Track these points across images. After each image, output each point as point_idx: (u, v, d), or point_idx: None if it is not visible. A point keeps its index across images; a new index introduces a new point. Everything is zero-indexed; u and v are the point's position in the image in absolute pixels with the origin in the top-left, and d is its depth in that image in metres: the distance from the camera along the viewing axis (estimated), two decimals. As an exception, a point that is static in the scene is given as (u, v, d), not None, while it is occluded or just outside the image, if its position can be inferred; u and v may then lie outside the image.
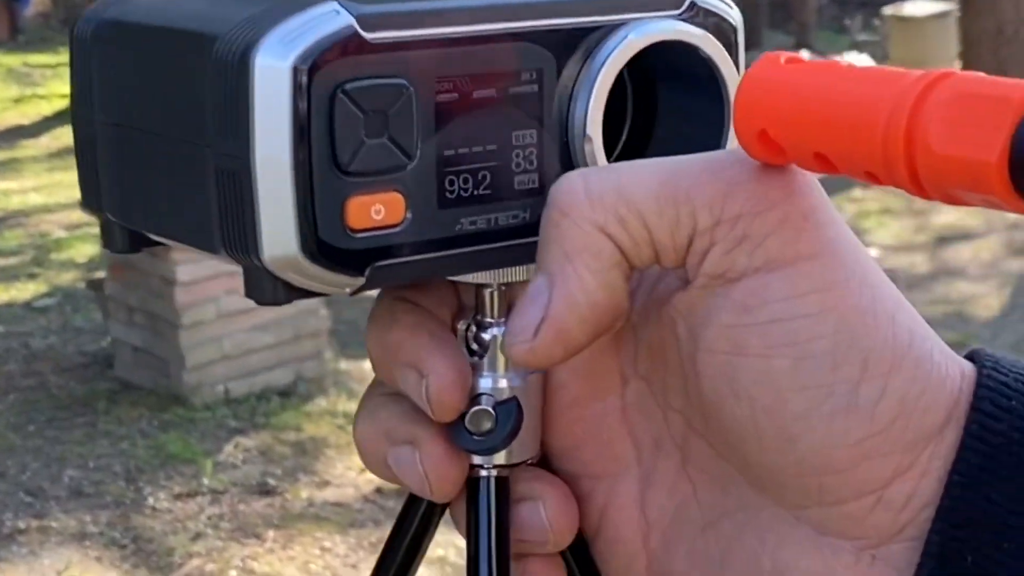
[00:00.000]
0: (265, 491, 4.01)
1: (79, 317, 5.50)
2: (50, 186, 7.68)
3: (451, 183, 0.50)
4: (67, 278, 6.17)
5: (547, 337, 0.49)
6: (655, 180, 0.48)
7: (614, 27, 0.52)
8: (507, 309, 0.54)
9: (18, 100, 11.24)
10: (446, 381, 0.52)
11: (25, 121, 10.26)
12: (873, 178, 0.43)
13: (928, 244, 6.32)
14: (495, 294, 0.54)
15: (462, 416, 0.53)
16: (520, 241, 0.52)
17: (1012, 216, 6.60)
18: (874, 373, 0.46)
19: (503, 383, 0.54)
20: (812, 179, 0.48)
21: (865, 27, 14.20)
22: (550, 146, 0.52)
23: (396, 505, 3.70)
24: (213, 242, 0.50)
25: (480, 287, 0.54)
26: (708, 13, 0.55)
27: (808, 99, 0.44)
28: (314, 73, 0.47)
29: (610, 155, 0.53)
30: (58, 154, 8.78)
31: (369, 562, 3.57)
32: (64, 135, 9.02)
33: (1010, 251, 6.12)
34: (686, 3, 0.54)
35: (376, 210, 0.49)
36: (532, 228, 0.51)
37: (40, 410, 4.63)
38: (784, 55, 0.45)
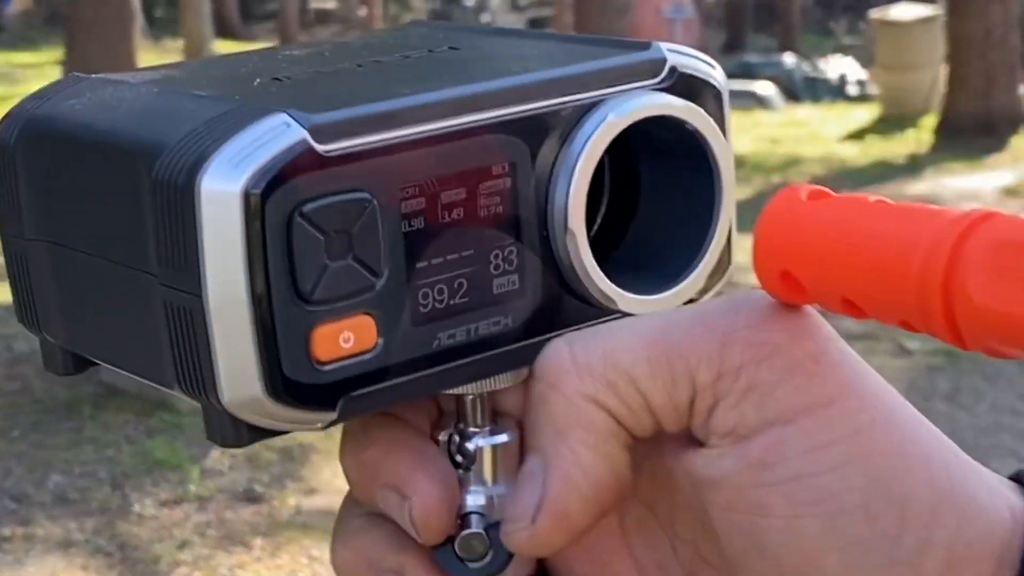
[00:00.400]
0: (252, 498, 3.98)
1: (63, 320, 5.43)
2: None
3: (425, 297, 0.46)
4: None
5: (546, 522, 0.45)
6: (644, 340, 0.45)
7: (590, 106, 0.48)
8: (492, 415, 0.50)
9: (1, 99, 11.19)
10: (431, 501, 0.48)
11: (8, 120, 10.18)
12: (907, 326, 0.40)
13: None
14: (478, 401, 0.50)
15: (451, 539, 0.49)
16: (503, 349, 0.48)
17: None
18: (915, 524, 0.43)
19: (494, 499, 0.50)
20: (815, 315, 0.45)
21: (850, 30, 14.20)
22: (530, 243, 0.48)
23: (385, 513, 3.70)
24: (166, 378, 0.46)
25: (461, 395, 0.50)
26: (690, 79, 0.51)
27: (833, 239, 0.41)
28: (268, 196, 0.43)
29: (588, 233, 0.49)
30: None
31: (358, 571, 3.54)
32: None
33: (999, 257, 6.10)
34: (665, 70, 0.50)
35: (344, 338, 0.44)
36: (515, 333, 0.48)
37: (24, 414, 4.59)
38: (806, 189, 0.43)
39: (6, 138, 0.51)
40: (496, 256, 0.47)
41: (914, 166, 8.22)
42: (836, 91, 11.94)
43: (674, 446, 0.46)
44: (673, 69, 0.50)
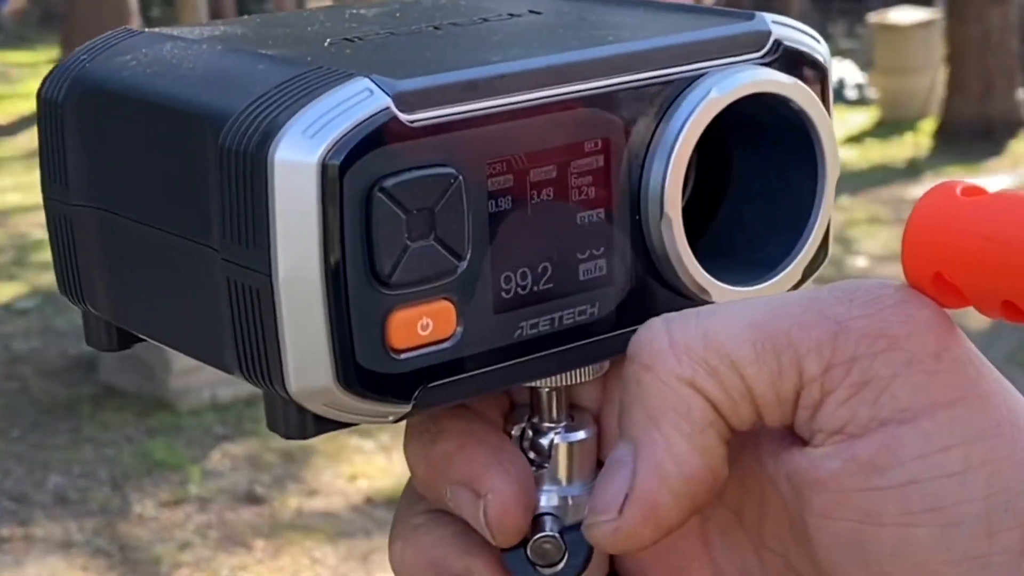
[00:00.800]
0: (253, 499, 3.96)
1: (61, 319, 5.42)
2: (29, 186, 7.59)
3: (507, 282, 0.43)
4: (48, 280, 6.09)
5: (634, 516, 0.42)
6: (749, 323, 0.41)
7: (690, 80, 0.45)
8: (569, 410, 0.48)
9: (-3, 98, 11.15)
10: (508, 500, 0.45)
11: (2, 120, 10.16)
12: None
13: (917, 253, 6.28)
14: (555, 395, 0.47)
15: (523, 542, 0.46)
16: (588, 341, 0.45)
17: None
18: None
19: (569, 500, 0.47)
20: (938, 309, 0.41)
21: (848, 34, 14.21)
22: (620, 227, 0.45)
23: (386, 515, 3.67)
24: (226, 361, 0.43)
25: (537, 387, 0.47)
26: (795, 53, 0.47)
27: (995, 239, 0.39)
28: (347, 169, 0.40)
29: None
30: (36, 154, 8.68)
31: (359, 573, 3.53)
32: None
33: (1000, 261, 6.09)
34: (769, 43, 0.47)
35: (423, 324, 0.42)
36: (601, 324, 0.45)
37: (23, 415, 4.57)
38: (960, 184, 0.40)
39: (54, 94, 0.48)
40: (583, 240, 0.44)
41: (913, 170, 8.21)
42: (835, 94, 11.92)
43: (773, 443, 0.43)
44: (778, 43, 0.47)
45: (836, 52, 13.80)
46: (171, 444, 4.28)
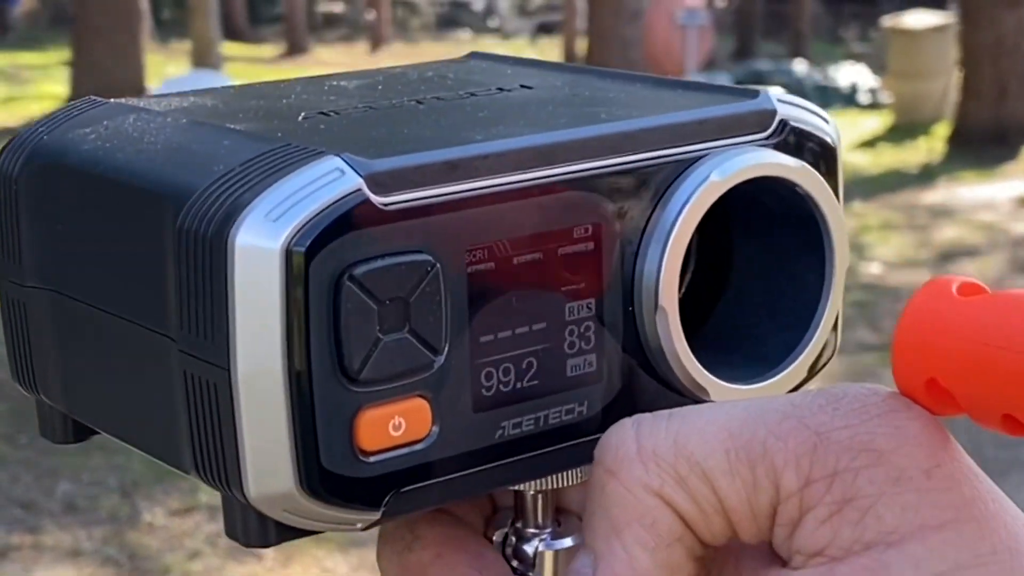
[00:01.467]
0: (263, 508, 3.94)
1: (72, 324, 5.41)
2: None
3: (488, 378, 0.40)
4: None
5: None
6: (724, 429, 0.38)
7: (690, 162, 0.42)
8: (555, 513, 0.45)
9: (6, 100, 11.16)
10: None
11: (12, 122, 10.17)
12: None
13: (931, 260, 6.26)
14: (540, 498, 0.45)
15: None
16: (576, 441, 0.42)
17: (1016, 233, 6.60)
18: None
19: None
20: (930, 418, 0.38)
21: (861, 38, 14.19)
22: (611, 319, 0.42)
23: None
24: (182, 460, 0.40)
25: (522, 490, 0.45)
26: (801, 134, 0.45)
27: (995, 345, 0.36)
28: (313, 256, 0.37)
29: None
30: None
31: (370, 583, 3.52)
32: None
33: (1015, 268, 6.07)
34: (774, 123, 0.44)
35: (395, 424, 0.39)
36: (590, 423, 0.42)
37: (31, 420, 4.54)
38: (956, 281, 0.37)
39: (9, 168, 0.45)
40: (572, 333, 0.42)
41: (927, 175, 8.19)
42: (847, 99, 11.91)
43: (754, 560, 0.40)
44: (783, 123, 0.44)
45: (849, 56, 13.78)
46: (181, 451, 4.27)
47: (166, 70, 11.67)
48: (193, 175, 0.39)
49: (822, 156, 0.45)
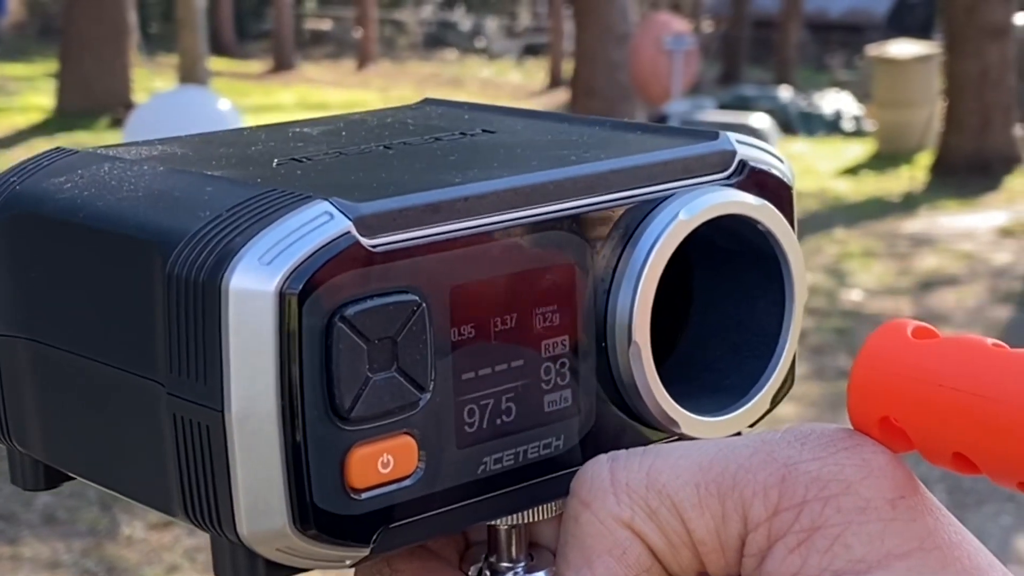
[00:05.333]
0: (242, 523, 3.94)
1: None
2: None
3: (471, 415, 0.41)
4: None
5: None
6: (694, 464, 0.40)
7: (657, 201, 0.44)
8: (528, 547, 0.46)
9: (-6, 111, 11.15)
10: None
11: None
12: None
13: (912, 288, 6.29)
14: (513, 532, 0.45)
15: None
16: (553, 476, 0.43)
17: (997, 262, 6.62)
18: None
19: None
20: (891, 454, 0.40)
21: (846, 66, 14.24)
22: (585, 355, 0.43)
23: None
24: (171, 504, 0.40)
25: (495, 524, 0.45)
26: (760, 174, 0.46)
27: (947, 386, 0.37)
28: (306, 298, 0.38)
29: None
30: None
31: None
32: (40, 147, 8.90)
33: (995, 298, 6.10)
34: (735, 163, 0.46)
35: (384, 461, 0.39)
36: (566, 458, 0.43)
37: (12, 432, 4.54)
38: (911, 325, 0.39)
39: None
40: (549, 369, 0.42)
41: (909, 204, 8.22)
42: (831, 126, 11.96)
43: None
44: (743, 163, 0.46)
45: (834, 83, 13.82)
46: (161, 465, 4.26)
47: (153, 84, 11.65)
48: (180, 221, 0.40)
49: (779, 194, 0.46)
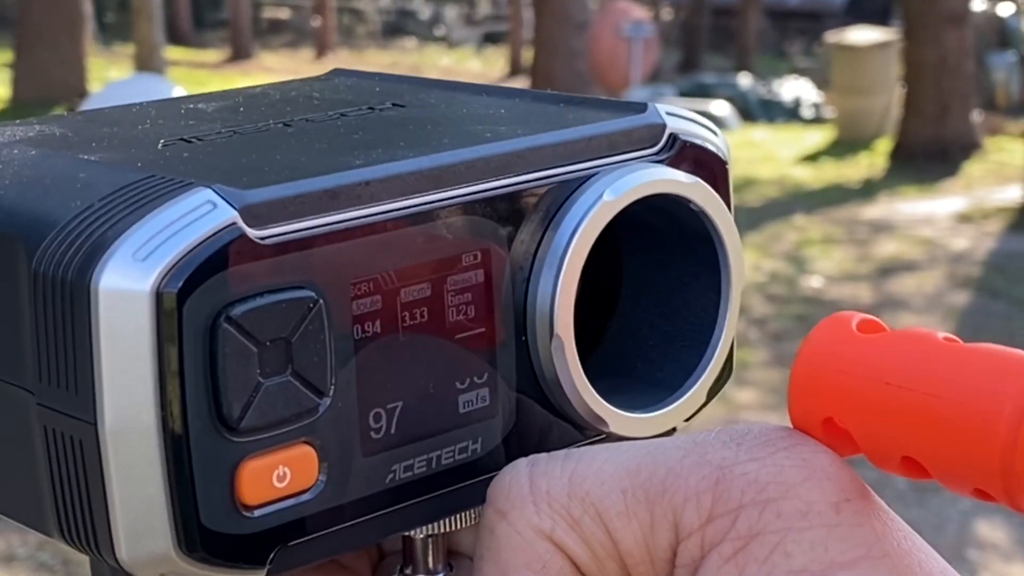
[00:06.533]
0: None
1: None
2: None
3: (377, 420, 0.38)
4: None
5: None
6: (621, 468, 0.36)
7: (579, 181, 0.40)
8: (446, 557, 0.43)
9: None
10: None
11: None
12: (983, 495, 0.33)
13: (872, 275, 6.30)
14: (430, 542, 0.42)
15: None
16: (471, 481, 0.40)
17: (955, 248, 6.64)
18: None
19: None
20: (833, 453, 0.36)
21: (806, 53, 14.29)
22: (504, 350, 0.40)
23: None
24: (46, 524, 0.37)
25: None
26: (692, 149, 0.43)
27: (894, 384, 0.34)
28: (186, 297, 0.34)
29: None
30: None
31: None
32: None
33: (953, 283, 6.12)
34: (664, 137, 0.43)
35: (280, 475, 0.36)
36: (485, 462, 0.40)
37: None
38: (856, 318, 0.35)
39: None
40: (464, 367, 0.39)
41: (868, 190, 8.24)
42: (791, 113, 12.00)
43: None
44: (673, 137, 0.42)
45: (793, 70, 13.85)
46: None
47: (108, 74, 11.57)
48: (49, 211, 0.36)
49: (713, 170, 0.43)
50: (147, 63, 9.50)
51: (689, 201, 0.41)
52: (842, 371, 0.35)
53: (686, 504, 0.36)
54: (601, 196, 0.40)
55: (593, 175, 0.41)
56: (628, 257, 0.44)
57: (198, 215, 0.35)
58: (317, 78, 0.52)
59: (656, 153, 0.42)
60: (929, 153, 8.79)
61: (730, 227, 0.42)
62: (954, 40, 8.93)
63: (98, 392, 0.34)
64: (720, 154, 0.44)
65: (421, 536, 0.41)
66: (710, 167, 0.43)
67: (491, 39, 22.24)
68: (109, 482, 0.35)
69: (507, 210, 0.39)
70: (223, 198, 0.35)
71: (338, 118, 0.45)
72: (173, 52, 14.11)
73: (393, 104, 0.46)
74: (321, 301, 0.36)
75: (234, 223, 0.35)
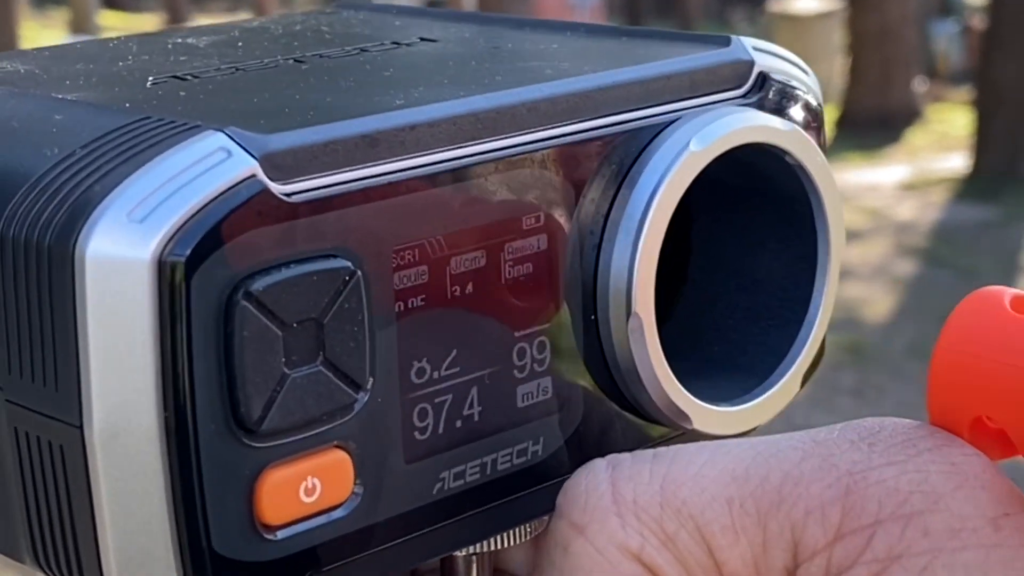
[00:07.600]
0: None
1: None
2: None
3: (423, 417, 0.32)
4: None
5: None
6: (726, 473, 0.31)
7: (660, 128, 0.34)
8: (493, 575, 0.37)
9: None
10: None
11: None
12: None
13: (817, 244, 6.30)
14: (474, 560, 0.36)
15: None
16: (531, 490, 0.34)
17: (901, 217, 6.65)
18: None
19: None
20: (986, 459, 0.31)
21: (749, 21, 14.36)
22: (570, 332, 0.34)
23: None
24: (18, 548, 0.31)
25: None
26: (784, 89, 0.37)
27: None
28: (196, 267, 0.28)
29: None
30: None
31: None
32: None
33: (899, 252, 6.14)
34: (752, 76, 0.36)
35: (308, 487, 0.30)
36: (546, 467, 0.34)
37: None
38: (1008, 294, 0.29)
39: None
40: (522, 352, 0.33)
41: (812, 159, 8.27)
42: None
43: None
44: (763, 76, 0.36)
45: (736, 39, 13.93)
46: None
47: (42, 38, 11.44)
48: (18, 162, 0.30)
49: (807, 117, 0.37)
50: (81, 27, 9.37)
51: (786, 153, 0.35)
52: (996, 360, 0.28)
53: (808, 518, 0.30)
54: (687, 146, 0.33)
55: (674, 120, 0.34)
56: (701, 218, 0.37)
57: (208, 165, 0.28)
58: (322, 11, 0.45)
59: (744, 95, 0.36)
60: (872, 121, 8.90)
61: (830, 185, 0.35)
62: (896, 8, 9.06)
63: (84, 386, 0.28)
64: (816, 98, 0.37)
65: (463, 554, 0.35)
66: (804, 113, 0.37)
67: (434, 7, 22.23)
68: (97, 498, 0.28)
69: (575, 163, 0.33)
70: (239, 144, 0.29)
71: (358, 53, 0.38)
72: (107, 17, 13.98)
73: (421, 39, 0.39)
74: (359, 273, 0.30)
75: (254, 175, 0.29)
